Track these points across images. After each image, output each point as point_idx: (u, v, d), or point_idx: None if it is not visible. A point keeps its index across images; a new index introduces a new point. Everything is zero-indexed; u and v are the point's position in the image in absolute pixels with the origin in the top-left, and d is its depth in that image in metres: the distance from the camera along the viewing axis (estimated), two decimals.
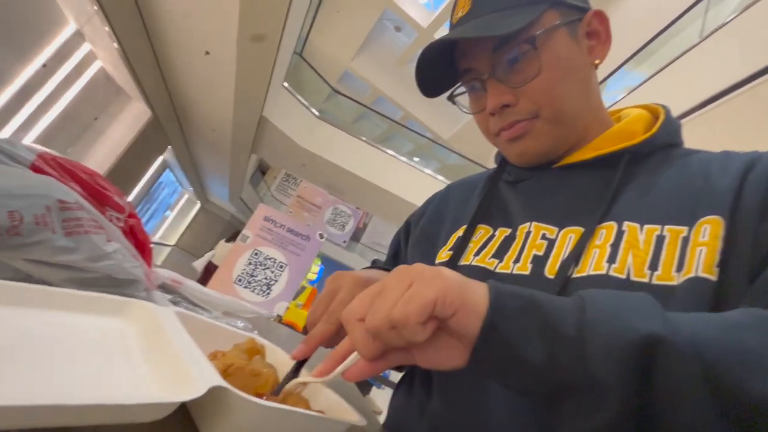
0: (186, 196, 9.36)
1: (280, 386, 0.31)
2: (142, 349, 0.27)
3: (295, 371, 0.34)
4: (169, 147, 5.83)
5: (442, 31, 6.37)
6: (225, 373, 0.27)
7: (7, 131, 3.20)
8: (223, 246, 4.67)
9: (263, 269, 3.37)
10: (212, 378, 0.22)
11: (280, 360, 0.40)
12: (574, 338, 0.25)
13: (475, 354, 0.26)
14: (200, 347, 0.34)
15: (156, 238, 8.66)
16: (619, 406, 0.23)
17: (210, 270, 4.33)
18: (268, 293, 3.29)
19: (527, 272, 0.41)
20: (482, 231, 0.50)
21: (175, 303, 0.53)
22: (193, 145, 6.45)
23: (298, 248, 3.50)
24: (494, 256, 0.46)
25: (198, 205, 10.04)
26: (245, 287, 3.26)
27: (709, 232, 0.34)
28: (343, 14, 6.37)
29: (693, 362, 0.23)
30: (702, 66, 2.79)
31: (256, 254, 3.41)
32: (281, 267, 3.41)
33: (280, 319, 3.11)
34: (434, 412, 0.41)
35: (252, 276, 3.30)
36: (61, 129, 3.82)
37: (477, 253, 0.47)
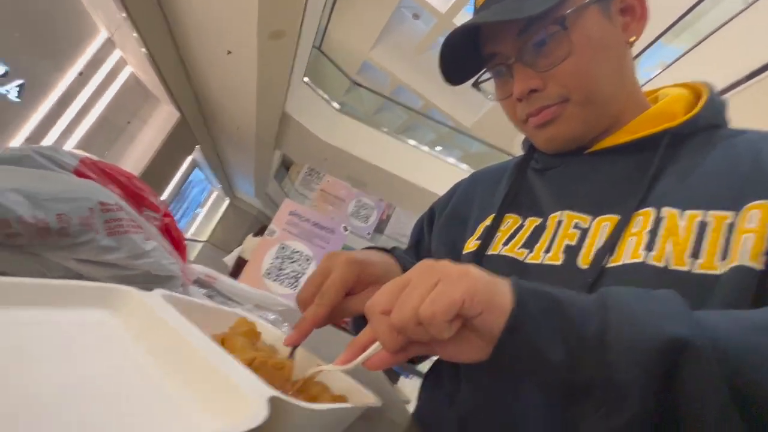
0: (215, 194, 9.68)
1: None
2: (150, 350, 0.26)
3: (290, 356, 0.35)
4: (197, 146, 6.03)
5: (462, 16, 6.20)
6: (250, 368, 0.28)
7: (50, 138, 3.39)
8: (250, 240, 4.81)
9: (290, 262, 3.46)
10: (261, 390, 0.22)
11: (275, 337, 0.41)
12: (596, 341, 0.25)
13: (497, 350, 0.27)
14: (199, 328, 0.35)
15: (189, 234, 9.03)
16: (639, 407, 0.23)
17: (240, 264, 4.48)
18: (296, 286, 3.37)
19: (559, 262, 0.40)
20: (510, 220, 0.49)
21: (210, 297, 0.55)
22: (220, 143, 6.64)
23: (323, 241, 3.56)
24: (524, 245, 0.45)
25: (227, 202, 10.36)
26: (274, 280, 3.36)
27: (758, 218, 0.32)
28: (360, 4, 6.33)
29: (717, 366, 0.22)
30: (746, 37, 2.58)
31: (283, 248, 3.50)
32: (308, 260, 3.49)
33: None
34: (463, 402, 0.41)
35: (280, 269, 3.39)
36: (98, 134, 4.02)
37: (506, 243, 0.47)
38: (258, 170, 6.89)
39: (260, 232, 4.56)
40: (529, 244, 0.44)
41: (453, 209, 0.60)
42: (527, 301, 0.27)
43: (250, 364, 0.28)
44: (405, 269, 0.51)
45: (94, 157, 0.46)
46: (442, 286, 0.26)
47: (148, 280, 0.40)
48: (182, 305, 0.33)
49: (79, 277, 0.36)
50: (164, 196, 5.66)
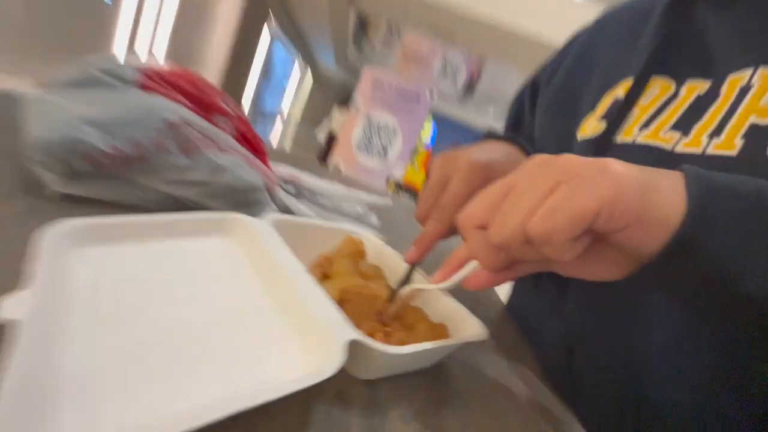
0: (296, 67, 9.61)
1: (394, 292, 0.31)
2: (258, 278, 0.28)
3: (408, 275, 0.33)
4: (271, 15, 5.75)
5: None
6: (342, 300, 0.27)
7: (142, 34, 3.53)
8: (337, 113, 4.86)
9: (378, 135, 3.46)
10: (345, 331, 0.22)
11: (384, 254, 0.40)
12: None
13: (648, 274, 0.20)
14: (305, 252, 0.35)
15: (284, 114, 9.48)
16: None
17: (331, 138, 4.67)
18: (386, 158, 3.44)
19: (735, 152, 0.28)
20: (657, 87, 0.35)
21: (296, 196, 0.56)
22: (293, 9, 6.21)
23: (408, 111, 3.41)
24: (675, 126, 0.32)
25: (309, 73, 10.31)
26: (364, 153, 3.46)
27: None
28: None
29: None
30: None
31: (369, 120, 3.47)
32: (394, 132, 3.44)
33: (399, 187, 3.29)
34: (570, 319, 0.38)
35: (369, 143, 3.44)
36: (181, 18, 4.05)
37: (646, 124, 0.34)
38: (335, 32, 6.44)
39: (345, 102, 4.54)
40: (684, 123, 0.31)
41: (567, 75, 0.45)
42: (713, 207, 0.18)
43: (344, 295, 0.28)
44: None
45: (155, 65, 0.43)
46: (566, 191, 0.19)
47: (232, 193, 0.40)
48: (291, 229, 0.35)
49: (173, 198, 0.37)
50: (252, 76, 5.82)
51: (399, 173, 3.42)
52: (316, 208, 0.53)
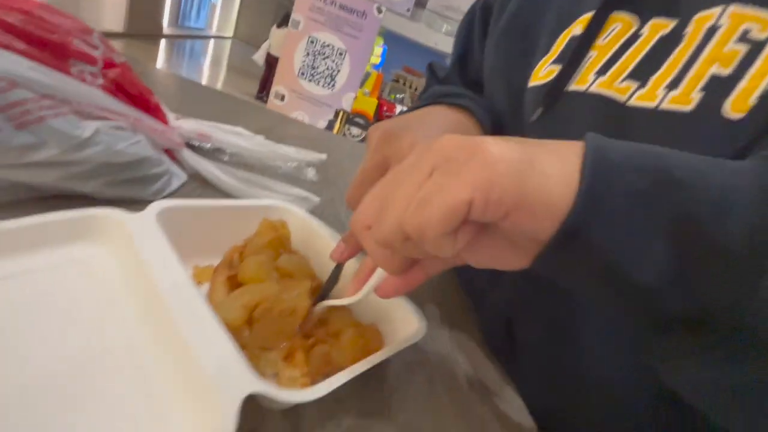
0: None
1: (319, 298, 0.27)
2: (131, 298, 0.22)
3: (337, 275, 0.29)
4: None
5: None
6: (252, 319, 0.23)
7: None
8: (276, 33, 4.33)
9: (323, 59, 3.14)
10: (239, 383, 0.18)
11: (313, 234, 0.34)
12: (745, 263, 0.15)
13: (543, 263, 0.18)
14: (215, 239, 0.29)
15: (213, 31, 8.34)
16: None
17: (270, 63, 4.21)
18: (333, 84, 3.17)
19: (690, 107, 0.25)
20: (619, 25, 0.31)
21: (214, 153, 0.47)
22: None
23: (355, 29, 3.07)
24: (632, 75, 0.29)
25: None
26: (309, 80, 3.16)
27: None
28: None
29: None
30: None
31: (312, 42, 3.11)
32: (341, 54, 3.12)
33: (349, 118, 3.10)
34: (510, 288, 0.36)
35: (313, 68, 3.13)
36: None
37: (603, 70, 0.30)
38: None
39: (284, 21, 4.03)
40: (642, 71, 0.28)
41: (520, 6, 0.38)
42: (603, 185, 0.16)
43: (252, 312, 0.23)
44: (487, 132, 0.37)
45: None
46: (436, 179, 0.17)
47: (110, 170, 0.31)
48: (185, 218, 0.28)
49: (28, 186, 0.28)
50: None
51: (348, 103, 3.21)
52: (237, 171, 0.45)
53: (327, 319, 0.26)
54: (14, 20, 0.31)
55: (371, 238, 0.20)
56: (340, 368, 0.23)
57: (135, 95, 0.38)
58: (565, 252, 0.17)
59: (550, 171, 0.17)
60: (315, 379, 0.22)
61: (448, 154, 0.17)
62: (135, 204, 0.34)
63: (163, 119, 0.41)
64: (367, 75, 4.44)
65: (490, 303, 0.38)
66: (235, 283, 0.26)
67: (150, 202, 0.36)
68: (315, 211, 0.47)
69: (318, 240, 0.33)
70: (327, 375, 0.23)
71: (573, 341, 0.30)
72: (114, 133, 0.31)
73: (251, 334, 0.23)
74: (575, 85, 0.31)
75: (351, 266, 0.31)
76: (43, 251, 0.23)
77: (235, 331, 0.22)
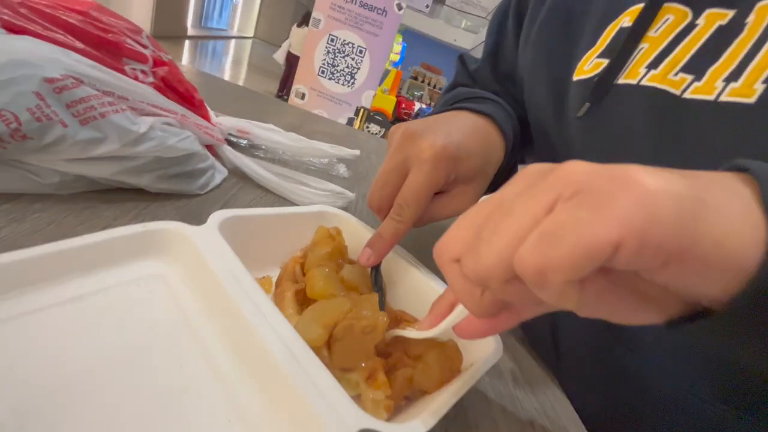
0: None
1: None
2: (206, 321, 0.21)
3: (376, 279, 0.28)
4: None
5: None
6: (333, 339, 0.22)
7: None
8: (296, 32, 4.37)
9: (343, 57, 3.15)
10: (349, 424, 0.17)
11: (361, 236, 0.34)
12: None
13: (695, 322, 0.15)
14: (268, 248, 0.29)
15: (234, 31, 8.49)
16: None
17: (291, 61, 4.26)
18: (353, 83, 3.18)
19: (753, 99, 0.24)
20: (671, 16, 0.30)
21: (251, 149, 0.48)
22: None
23: (375, 26, 3.07)
24: (688, 67, 0.27)
25: None
26: (329, 78, 3.18)
27: None
28: None
29: None
30: None
31: (332, 40, 3.13)
32: (361, 52, 3.13)
33: (367, 113, 3.10)
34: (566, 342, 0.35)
35: (333, 66, 3.14)
36: None
37: (655, 63, 0.29)
38: None
39: (305, 20, 4.06)
40: (698, 63, 0.27)
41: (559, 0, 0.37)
42: None
43: (333, 333, 0.22)
44: (508, 141, 0.36)
45: None
46: (568, 211, 0.14)
47: (162, 165, 0.32)
48: (244, 227, 0.28)
49: (82, 178, 0.30)
50: None
51: (368, 101, 3.21)
52: (273, 166, 0.46)
53: (405, 340, 0.24)
54: (74, 21, 0.32)
55: (460, 272, 0.17)
56: (422, 390, 0.22)
57: (182, 92, 0.39)
58: (745, 314, 0.13)
59: (726, 210, 0.13)
60: (398, 401, 0.22)
61: (581, 182, 0.14)
62: (184, 198, 0.36)
63: (206, 116, 0.42)
64: (386, 72, 4.44)
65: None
66: (302, 298, 0.25)
67: (197, 195, 0.37)
68: (349, 207, 0.47)
69: (358, 238, 0.32)
70: (407, 397, 0.23)
71: (617, 335, 0.29)
72: (166, 129, 0.32)
73: (332, 354, 0.22)
74: (624, 79, 0.30)
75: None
76: (110, 269, 0.22)
77: (314, 352, 0.21)
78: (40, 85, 0.25)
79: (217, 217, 0.26)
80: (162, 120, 0.33)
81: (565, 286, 0.14)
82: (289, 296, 0.25)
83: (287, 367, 0.18)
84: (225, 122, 0.46)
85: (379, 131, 4.19)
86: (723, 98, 0.25)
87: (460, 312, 0.20)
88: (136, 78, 0.34)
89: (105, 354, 0.18)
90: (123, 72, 0.33)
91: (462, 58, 0.51)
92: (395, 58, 5.55)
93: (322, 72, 3.16)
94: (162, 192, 0.34)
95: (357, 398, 0.21)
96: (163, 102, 0.35)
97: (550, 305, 0.16)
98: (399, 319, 0.27)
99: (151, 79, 0.36)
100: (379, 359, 0.22)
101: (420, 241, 0.37)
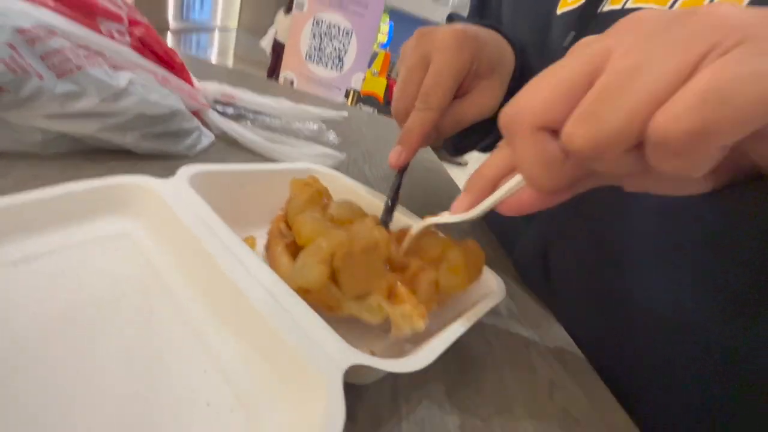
0: None
1: (386, 215, 0.24)
2: (179, 273, 0.20)
3: (398, 187, 0.27)
4: None
5: None
6: (334, 271, 0.20)
7: None
8: (282, 19, 4.27)
9: (329, 39, 3.09)
10: (333, 360, 0.16)
11: (346, 188, 0.33)
12: None
13: None
14: (246, 206, 0.27)
15: (218, 23, 8.30)
16: None
17: (277, 50, 4.18)
18: (341, 66, 3.13)
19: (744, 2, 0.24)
20: None
21: (237, 119, 0.48)
22: None
23: (360, 6, 3.01)
24: None
25: None
26: (317, 63, 3.12)
27: None
28: None
29: None
30: None
31: (317, 23, 3.06)
32: (347, 34, 3.07)
33: (359, 97, 3.06)
34: (545, 221, 0.35)
35: (320, 50, 3.08)
36: None
37: None
38: None
39: (290, 6, 3.97)
40: None
41: None
42: None
43: (334, 263, 0.20)
44: (516, 47, 0.33)
45: None
46: (747, 60, 0.11)
47: (145, 122, 0.32)
48: (217, 182, 0.26)
49: (68, 136, 0.29)
50: None
51: (358, 84, 3.17)
52: (262, 131, 0.45)
53: (419, 249, 0.24)
54: None
55: (548, 144, 0.15)
56: (452, 292, 0.21)
57: (161, 55, 0.38)
58: None
59: None
60: (429, 308, 0.20)
61: (745, 28, 0.12)
62: (171, 159, 0.35)
63: (188, 80, 0.42)
64: (375, 55, 4.36)
65: (523, 240, 0.38)
66: (294, 250, 0.23)
67: (184, 157, 0.37)
68: (340, 168, 0.47)
69: (351, 196, 0.31)
70: (440, 302, 0.21)
71: (614, 261, 0.30)
72: (147, 85, 0.32)
73: (342, 285, 0.20)
74: (610, 5, 0.30)
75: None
76: (66, 228, 0.20)
77: (322, 291, 0.20)
78: (13, 36, 0.25)
79: (188, 170, 0.24)
80: (142, 76, 0.32)
81: (718, 152, 0.13)
82: (280, 250, 0.24)
83: (267, 310, 0.17)
84: (208, 87, 0.45)
85: (372, 112, 4.15)
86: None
87: (516, 184, 0.18)
88: (111, 37, 0.34)
89: (62, 314, 0.17)
90: (98, 31, 0.33)
91: (450, 17, 0.51)
92: (383, 39, 5.46)
93: (309, 57, 3.10)
94: (148, 153, 0.34)
95: (388, 323, 0.21)
96: (142, 62, 0.35)
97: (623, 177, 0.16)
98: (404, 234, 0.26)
99: (127, 38, 0.35)
100: (394, 274, 0.21)
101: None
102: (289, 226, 0.26)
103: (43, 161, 0.28)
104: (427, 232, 0.24)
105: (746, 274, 0.23)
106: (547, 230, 0.35)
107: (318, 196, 0.27)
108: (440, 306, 0.23)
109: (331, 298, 0.21)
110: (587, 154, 0.14)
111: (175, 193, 0.23)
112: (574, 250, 0.33)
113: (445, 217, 0.21)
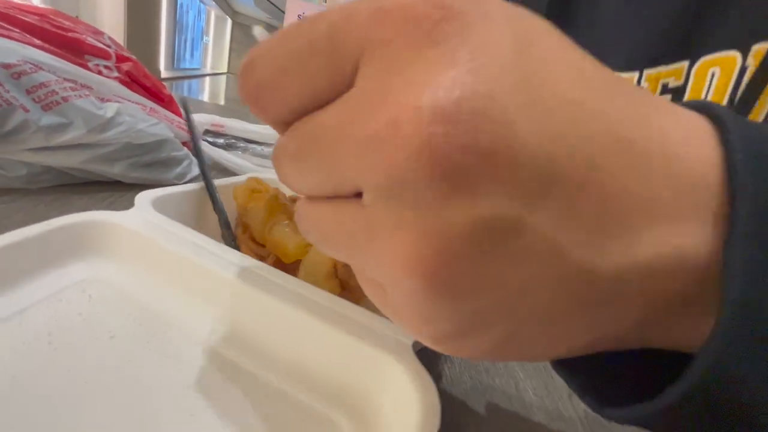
0: (213, 14, 8.57)
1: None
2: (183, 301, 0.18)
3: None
4: None
5: None
6: (342, 280, 0.20)
7: None
8: None
9: None
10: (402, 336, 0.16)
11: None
12: None
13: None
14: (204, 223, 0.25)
15: (208, 69, 8.60)
16: None
17: None
18: None
19: None
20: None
21: (227, 148, 0.48)
22: None
23: None
24: None
25: (229, 22, 9.26)
26: None
27: None
28: None
29: None
30: None
31: None
32: None
33: None
34: None
35: None
36: None
37: None
38: None
39: None
40: None
41: None
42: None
43: (336, 277, 0.20)
44: None
45: None
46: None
47: (134, 152, 0.32)
48: (180, 203, 0.25)
49: (54, 171, 0.29)
50: (163, 28, 5.11)
51: None
52: (253, 158, 0.45)
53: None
54: (32, 20, 0.32)
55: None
56: None
57: (149, 87, 0.39)
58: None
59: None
60: None
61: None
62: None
63: (177, 112, 0.42)
64: None
65: None
66: (284, 268, 0.21)
67: (174, 185, 0.36)
68: None
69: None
70: None
71: None
72: (135, 115, 0.32)
73: (355, 289, 0.20)
74: None
75: None
76: (20, 285, 0.17)
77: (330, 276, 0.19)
78: None
79: (147, 196, 0.22)
80: (130, 106, 0.33)
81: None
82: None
83: (306, 311, 0.17)
84: (198, 118, 0.46)
85: None
86: None
87: None
88: (99, 73, 0.34)
89: (39, 383, 0.13)
90: (86, 68, 0.33)
91: None
92: None
93: None
94: (138, 182, 0.34)
95: None
96: (130, 95, 0.35)
97: None
98: None
99: (115, 74, 0.36)
100: None
101: None
102: (258, 243, 0.24)
103: (27, 195, 0.28)
104: None
105: None
106: None
107: (275, 201, 0.24)
108: None
109: (350, 298, 0.20)
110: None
111: (144, 220, 0.20)
112: None
113: None
